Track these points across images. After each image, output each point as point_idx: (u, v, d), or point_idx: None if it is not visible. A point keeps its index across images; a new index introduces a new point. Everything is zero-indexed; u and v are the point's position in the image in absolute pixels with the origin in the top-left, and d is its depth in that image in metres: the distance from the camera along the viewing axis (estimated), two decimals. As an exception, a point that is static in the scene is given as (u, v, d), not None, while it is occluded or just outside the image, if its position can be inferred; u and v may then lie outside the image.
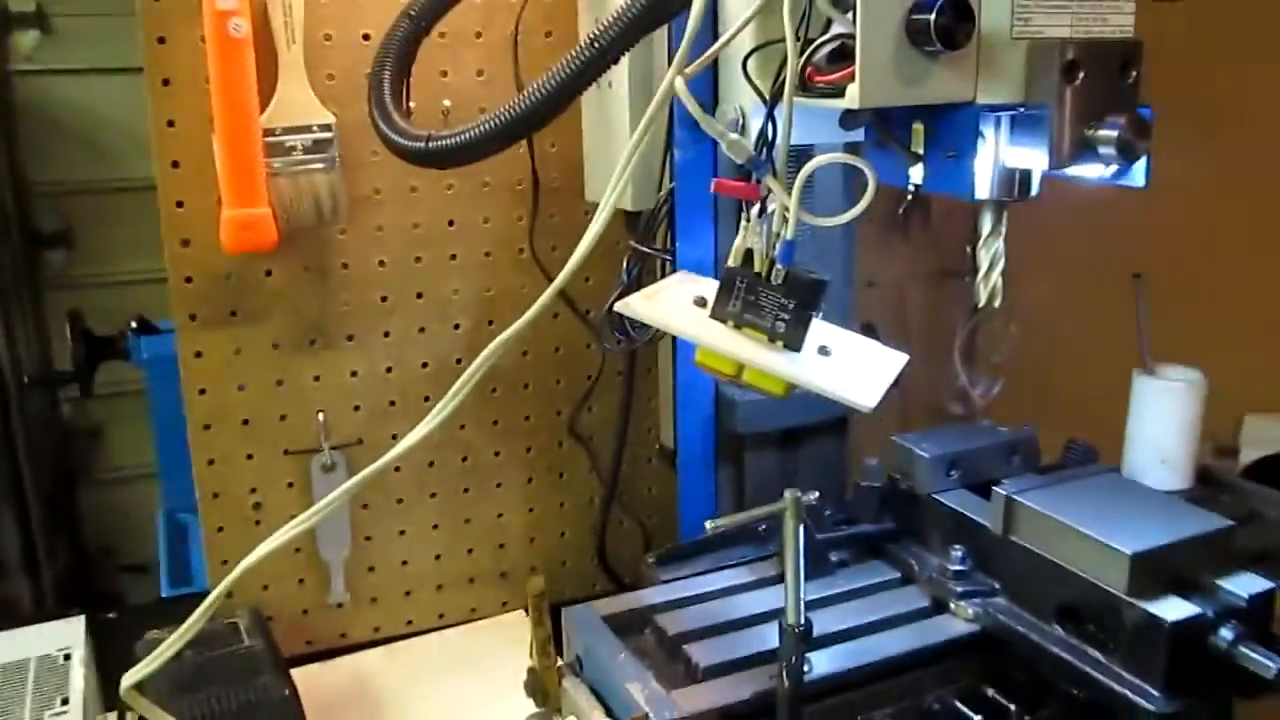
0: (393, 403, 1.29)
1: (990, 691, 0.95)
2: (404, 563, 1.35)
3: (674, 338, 1.17)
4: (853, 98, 0.74)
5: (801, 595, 0.83)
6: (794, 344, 0.80)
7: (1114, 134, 0.76)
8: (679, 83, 0.77)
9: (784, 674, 0.83)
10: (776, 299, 0.81)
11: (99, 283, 2.64)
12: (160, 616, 1.13)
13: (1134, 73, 0.78)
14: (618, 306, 0.88)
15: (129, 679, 0.98)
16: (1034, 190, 0.85)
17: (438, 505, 1.35)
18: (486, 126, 0.95)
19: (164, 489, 1.59)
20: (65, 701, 1.05)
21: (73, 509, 2.80)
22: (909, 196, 1.45)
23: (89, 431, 2.80)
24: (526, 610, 1.38)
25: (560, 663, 0.97)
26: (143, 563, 2.82)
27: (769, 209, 0.81)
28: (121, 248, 2.67)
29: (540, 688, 0.95)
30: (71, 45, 2.54)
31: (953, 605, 0.98)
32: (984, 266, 0.90)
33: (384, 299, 1.26)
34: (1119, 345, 1.17)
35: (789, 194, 0.78)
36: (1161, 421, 1.14)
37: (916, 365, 0.89)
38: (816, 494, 0.85)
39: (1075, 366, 1.62)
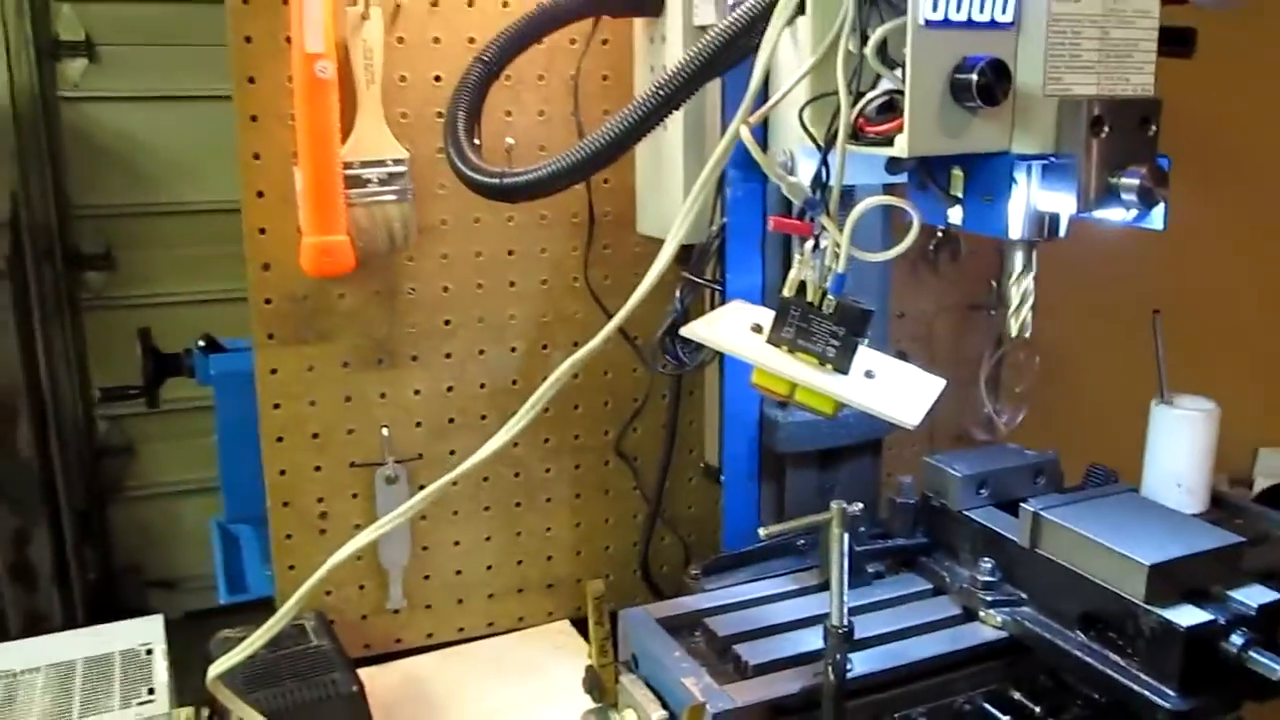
0: (452, 420, 1.37)
1: (1017, 694, 1.02)
2: (458, 572, 1.42)
3: (721, 363, 1.25)
4: (901, 147, 0.82)
5: (845, 598, 0.91)
6: (843, 367, 0.89)
7: (1135, 181, 0.84)
8: (744, 130, 0.85)
9: (829, 671, 0.91)
10: (827, 326, 0.89)
11: (137, 304, 2.74)
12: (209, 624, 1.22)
13: (1153, 127, 0.86)
14: (683, 331, 0.97)
15: (215, 669, 1.06)
16: (1062, 232, 0.93)
17: (490, 518, 1.42)
18: (559, 165, 1.03)
19: (224, 501, 1.66)
20: (151, 691, 1.13)
21: (104, 525, 2.88)
22: (939, 234, 1.55)
23: (122, 449, 2.88)
24: (571, 621, 1.47)
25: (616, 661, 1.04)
26: (169, 578, 2.90)
27: (821, 244, 0.89)
28: (160, 270, 2.77)
29: (598, 684, 1.02)
30: (117, 73, 2.64)
31: (982, 613, 1.05)
32: (1015, 301, 0.97)
33: (447, 322, 1.35)
34: (1137, 377, 1.24)
35: (841, 231, 0.87)
36: (1178, 448, 1.20)
37: (943, 394, 0.96)
38: (860, 505, 0.92)
39: (1096, 396, 1.69)
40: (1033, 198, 0.89)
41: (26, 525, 2.67)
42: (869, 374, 0.91)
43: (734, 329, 0.95)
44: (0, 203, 2.51)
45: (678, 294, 1.24)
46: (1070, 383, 1.70)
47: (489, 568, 1.44)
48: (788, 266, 1.16)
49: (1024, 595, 1.05)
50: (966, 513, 1.12)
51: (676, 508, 1.50)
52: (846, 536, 0.91)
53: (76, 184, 2.68)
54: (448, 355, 1.36)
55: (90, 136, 2.68)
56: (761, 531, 0.95)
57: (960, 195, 0.91)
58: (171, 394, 1.97)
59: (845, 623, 0.91)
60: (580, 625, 1.47)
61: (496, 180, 1.10)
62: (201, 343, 1.65)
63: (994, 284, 1.59)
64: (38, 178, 2.61)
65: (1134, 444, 1.24)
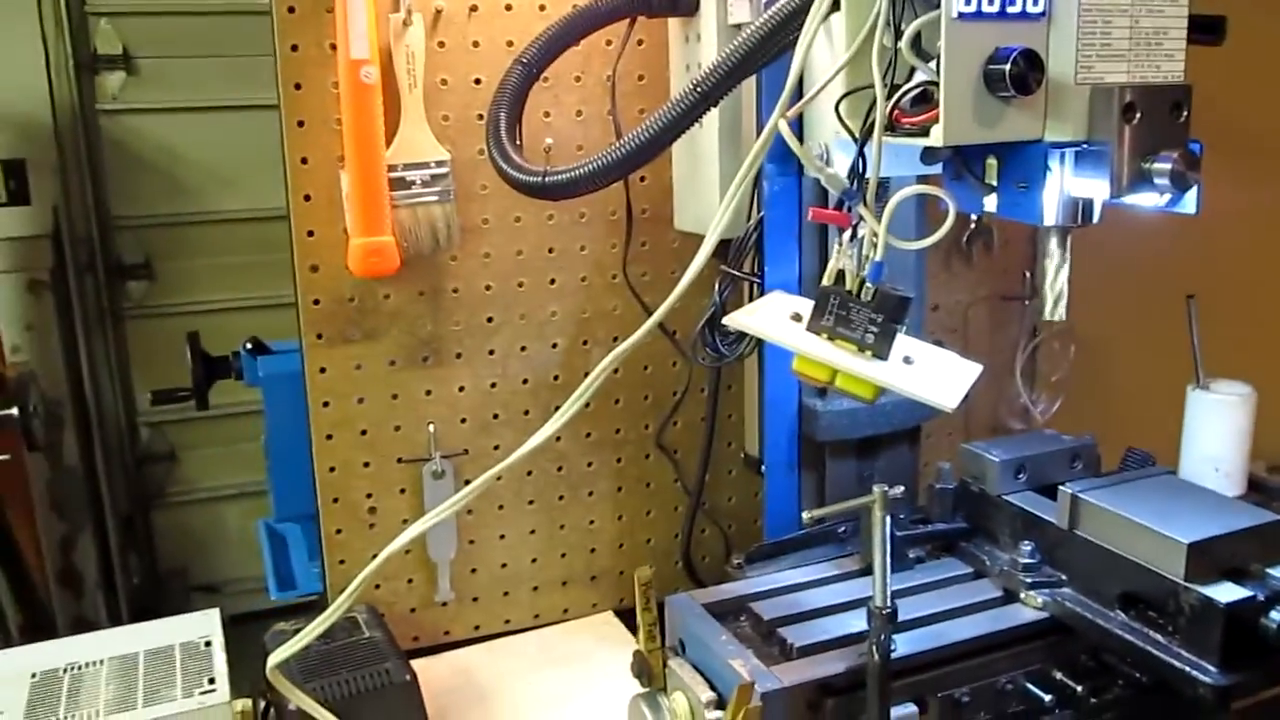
0: (496, 415, 1.40)
1: (1058, 674, 1.04)
2: (503, 565, 1.45)
3: (760, 354, 1.27)
4: (937, 137, 0.85)
5: (888, 580, 0.93)
6: (882, 353, 0.90)
7: (1168, 166, 0.85)
8: (783, 124, 0.88)
9: (874, 651, 0.93)
10: (866, 314, 0.91)
11: (178, 312, 2.79)
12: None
13: (1185, 112, 0.88)
14: (725, 320, 0.99)
15: (275, 658, 1.09)
16: (1095, 217, 0.94)
17: (535, 512, 1.45)
18: (601, 162, 1.06)
19: (273, 500, 1.70)
20: (212, 681, 1.16)
21: (147, 530, 2.94)
22: (972, 226, 1.56)
23: (164, 455, 2.94)
24: (614, 612, 1.49)
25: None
26: (213, 582, 2.95)
27: (859, 234, 0.92)
28: (200, 278, 2.82)
29: (647, 669, 1.05)
30: (155, 85, 2.70)
31: (1023, 595, 1.07)
32: (1050, 287, 0.98)
33: (490, 320, 1.38)
34: (1173, 363, 1.26)
35: (879, 221, 0.89)
36: (1215, 432, 1.22)
37: (978, 384, 0.98)
38: (901, 488, 0.94)
39: (1131, 383, 1.70)
40: (1066, 184, 0.91)
41: (72, 531, 2.73)
42: (907, 359, 0.93)
43: (774, 318, 0.97)
44: (42, 215, 2.58)
45: (716, 287, 1.26)
46: (1106, 370, 1.71)
47: (534, 560, 1.47)
48: (824, 258, 1.19)
49: (1064, 577, 1.07)
50: (1005, 497, 1.14)
51: (717, 499, 1.52)
52: (888, 519, 0.93)
53: (116, 195, 2.74)
54: (491, 352, 1.39)
55: (129, 148, 2.74)
56: (805, 515, 0.97)
57: (995, 184, 0.93)
58: (213, 399, 2.01)
59: (889, 604, 0.93)
60: (624, 616, 1.49)
61: (539, 179, 1.12)
62: (248, 345, 1.69)
63: (1027, 274, 1.61)
64: (78, 190, 2.67)
65: (1170, 430, 1.25)
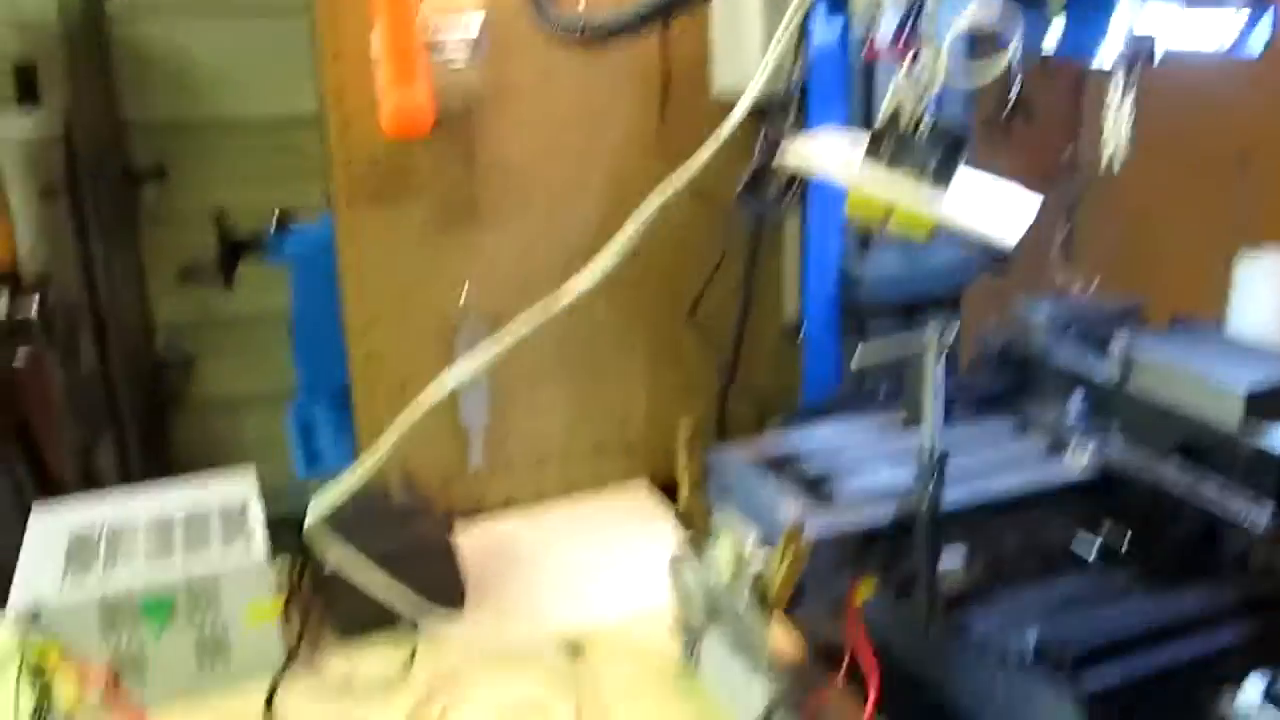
0: (530, 281, 1.37)
1: (1104, 528, 1.03)
2: (536, 435, 1.44)
3: (802, 216, 1.25)
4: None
5: (939, 423, 0.91)
6: (941, 181, 0.88)
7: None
8: (841, -54, 0.85)
9: (924, 493, 0.91)
10: (924, 149, 0.88)
11: (192, 217, 2.76)
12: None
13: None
14: (783, 155, 0.96)
15: (314, 514, 1.08)
16: (1156, 59, 0.92)
17: (567, 381, 1.44)
18: (642, 7, 1.03)
19: (300, 379, 1.69)
20: (250, 540, 1.15)
21: (166, 436, 2.94)
22: (1010, 99, 1.53)
23: (183, 361, 2.93)
24: (652, 483, 1.48)
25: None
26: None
27: (916, 69, 0.89)
28: (215, 182, 2.79)
29: (691, 518, 1.04)
30: (167, -16, 2.64)
31: (1070, 449, 1.05)
32: (1108, 134, 0.96)
33: (524, 184, 1.35)
34: (1218, 232, 1.23)
35: (939, 53, 0.86)
36: (1264, 299, 1.20)
37: (1016, 265, 0.95)
38: (956, 324, 0.92)
39: (1174, 255, 1.67)
40: (1132, 18, 0.88)
41: (91, 438, 2.73)
42: (964, 193, 0.90)
43: (830, 152, 0.94)
44: (52, 119, 2.54)
45: (757, 146, 1.23)
46: (1147, 244, 1.68)
47: (566, 430, 1.46)
48: (870, 116, 1.16)
49: (1113, 431, 1.05)
50: (1052, 354, 1.12)
51: (752, 374, 1.50)
52: (942, 358, 0.91)
53: (128, 99, 2.69)
54: (525, 217, 1.36)
55: (140, 49, 2.68)
56: (859, 354, 0.95)
57: (1060, 14, 0.90)
58: (231, 307, 2.00)
59: (939, 447, 0.91)
60: (662, 488, 1.48)
61: (579, 26, 1.10)
62: (276, 222, 1.67)
63: (1068, 149, 1.58)
64: (89, 94, 2.62)
65: (1215, 304, 1.23)
